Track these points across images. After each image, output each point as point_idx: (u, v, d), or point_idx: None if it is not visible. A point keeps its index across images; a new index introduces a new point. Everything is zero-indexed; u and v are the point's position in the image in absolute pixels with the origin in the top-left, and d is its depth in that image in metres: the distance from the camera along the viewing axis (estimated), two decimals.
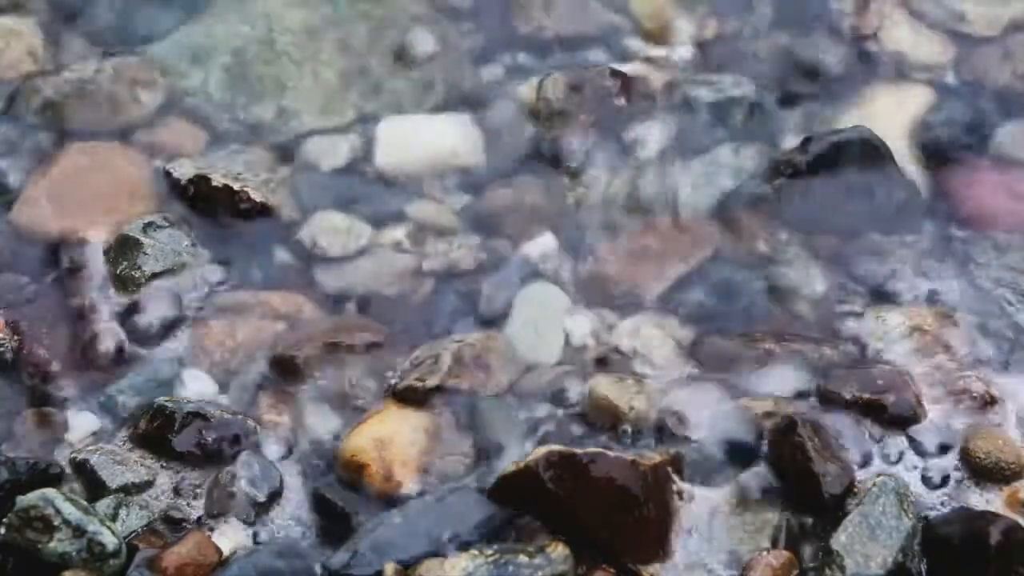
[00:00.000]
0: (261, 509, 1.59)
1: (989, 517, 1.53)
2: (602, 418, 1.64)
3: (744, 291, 1.74)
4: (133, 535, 1.56)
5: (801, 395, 1.64)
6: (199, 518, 1.60)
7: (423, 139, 1.91)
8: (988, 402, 1.64)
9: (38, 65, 1.97)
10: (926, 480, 1.61)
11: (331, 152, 1.93)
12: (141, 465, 1.62)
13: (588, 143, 1.89)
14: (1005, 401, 1.66)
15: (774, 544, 1.55)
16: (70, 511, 1.48)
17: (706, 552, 1.56)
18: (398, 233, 1.84)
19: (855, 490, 1.55)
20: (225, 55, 2.01)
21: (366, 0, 2.07)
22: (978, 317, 1.74)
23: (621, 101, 1.88)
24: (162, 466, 1.62)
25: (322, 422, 1.66)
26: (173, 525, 1.59)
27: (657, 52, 2.02)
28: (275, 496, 1.60)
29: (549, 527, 1.52)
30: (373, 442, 1.60)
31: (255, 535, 1.58)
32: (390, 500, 1.59)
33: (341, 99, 1.98)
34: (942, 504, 1.59)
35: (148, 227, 1.72)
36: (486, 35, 2.06)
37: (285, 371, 1.70)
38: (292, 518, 1.60)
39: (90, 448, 1.64)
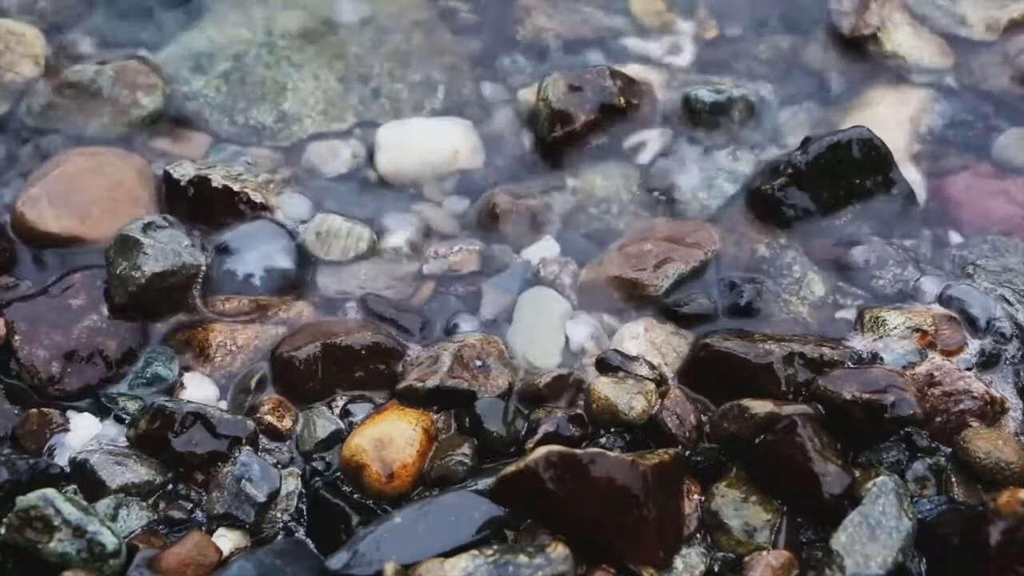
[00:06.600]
0: (261, 509, 1.59)
1: (989, 517, 1.53)
2: (602, 418, 1.64)
3: (744, 292, 1.74)
4: (133, 535, 1.57)
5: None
6: (199, 518, 1.60)
7: (423, 143, 1.91)
8: (988, 402, 1.64)
9: (40, 68, 1.97)
10: (925, 480, 1.61)
11: (331, 156, 1.94)
12: (141, 465, 1.62)
13: (588, 146, 1.90)
14: (1005, 401, 1.67)
15: (774, 544, 1.55)
16: (70, 511, 1.48)
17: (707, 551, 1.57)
18: (399, 237, 1.85)
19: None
20: (225, 60, 2.01)
21: (367, 4, 2.08)
22: (978, 318, 1.74)
23: (621, 102, 1.88)
24: (162, 466, 1.62)
25: (322, 423, 1.66)
26: (173, 525, 1.59)
27: (657, 54, 2.03)
28: (275, 496, 1.60)
29: (549, 527, 1.53)
30: (373, 442, 1.60)
31: (255, 535, 1.59)
32: (390, 500, 1.59)
33: (342, 103, 1.99)
34: (941, 504, 1.59)
35: (148, 227, 1.72)
36: (486, 40, 2.06)
37: (285, 373, 1.70)
38: (291, 518, 1.60)
39: (90, 448, 1.64)
